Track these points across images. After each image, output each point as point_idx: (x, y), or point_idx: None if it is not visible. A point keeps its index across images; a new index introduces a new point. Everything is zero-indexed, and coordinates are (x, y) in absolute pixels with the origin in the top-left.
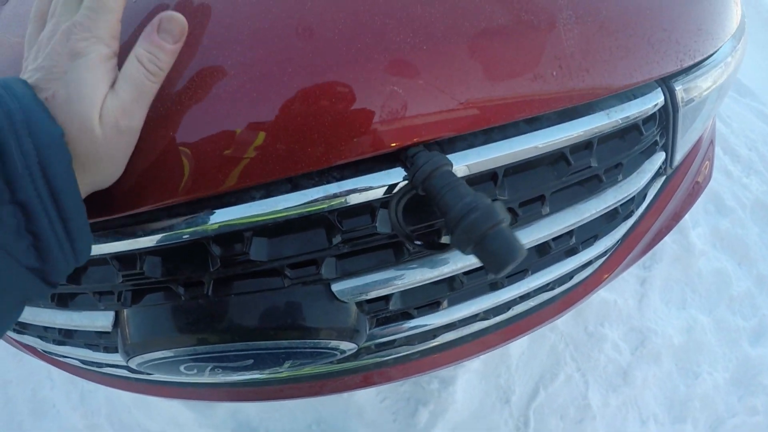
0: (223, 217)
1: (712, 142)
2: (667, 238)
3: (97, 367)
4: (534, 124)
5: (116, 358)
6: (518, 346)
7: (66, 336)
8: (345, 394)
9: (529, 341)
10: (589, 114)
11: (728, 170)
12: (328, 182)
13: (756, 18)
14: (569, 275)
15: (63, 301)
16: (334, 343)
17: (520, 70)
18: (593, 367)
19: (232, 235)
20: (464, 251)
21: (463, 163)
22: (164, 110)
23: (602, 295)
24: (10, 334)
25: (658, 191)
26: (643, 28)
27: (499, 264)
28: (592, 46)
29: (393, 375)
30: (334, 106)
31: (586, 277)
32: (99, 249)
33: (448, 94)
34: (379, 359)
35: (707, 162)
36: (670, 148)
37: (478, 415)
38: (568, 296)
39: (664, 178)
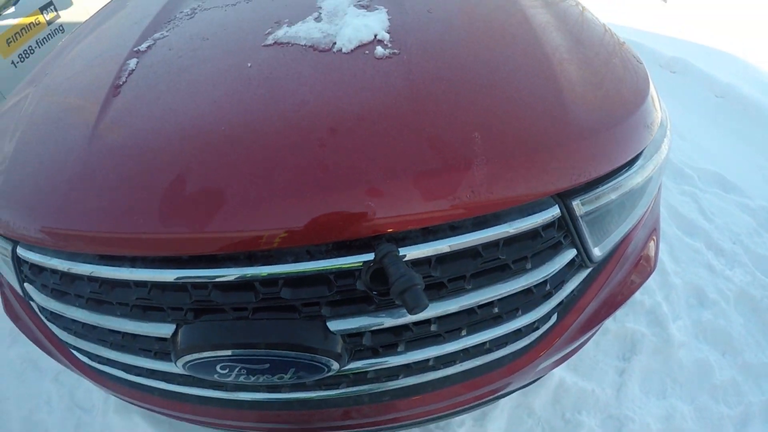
0: (270, 270)
1: (655, 230)
2: (646, 331)
3: (136, 374)
4: (456, 231)
5: (161, 365)
6: (497, 428)
7: (126, 341)
8: None
9: (507, 424)
10: (497, 224)
11: (711, 265)
12: (331, 257)
13: (743, 115)
14: (503, 340)
15: (137, 312)
16: (325, 359)
17: (444, 195)
18: None
19: (271, 281)
20: (395, 299)
21: (410, 253)
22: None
23: (580, 384)
24: (66, 338)
25: (587, 278)
26: (541, 160)
27: (412, 308)
28: (497, 176)
29: (367, 413)
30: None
31: (526, 346)
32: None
33: (400, 208)
34: (355, 393)
35: (650, 249)
36: (581, 246)
37: None
38: (514, 363)
39: (589, 270)
